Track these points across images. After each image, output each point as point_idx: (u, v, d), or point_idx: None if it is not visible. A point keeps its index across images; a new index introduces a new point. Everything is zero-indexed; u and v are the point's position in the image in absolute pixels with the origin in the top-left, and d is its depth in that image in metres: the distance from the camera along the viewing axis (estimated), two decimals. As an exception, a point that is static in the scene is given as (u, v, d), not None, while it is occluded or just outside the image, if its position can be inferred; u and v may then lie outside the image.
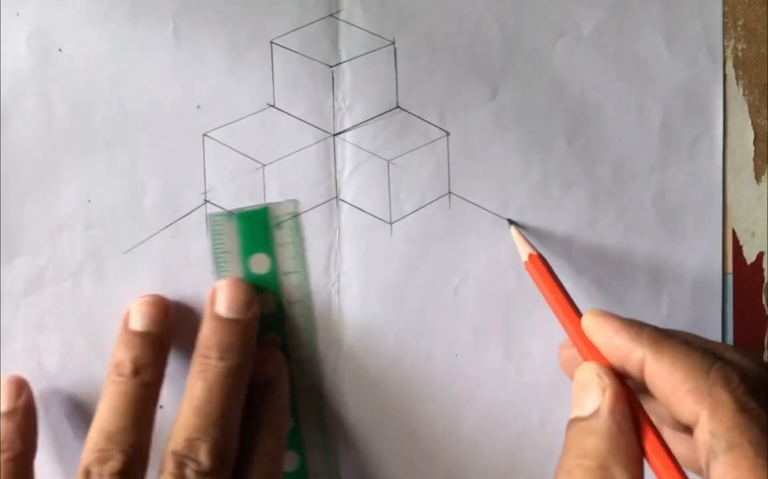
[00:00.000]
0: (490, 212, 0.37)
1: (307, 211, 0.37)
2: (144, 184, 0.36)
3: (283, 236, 0.36)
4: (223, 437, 0.32)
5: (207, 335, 0.34)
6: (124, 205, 0.36)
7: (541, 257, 0.35)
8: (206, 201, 0.36)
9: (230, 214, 0.35)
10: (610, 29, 0.37)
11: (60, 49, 0.35)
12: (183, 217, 0.36)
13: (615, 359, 0.30)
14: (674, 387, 0.28)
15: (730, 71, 0.38)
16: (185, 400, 0.33)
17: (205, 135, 0.36)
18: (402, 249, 0.37)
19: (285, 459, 0.36)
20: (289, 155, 0.36)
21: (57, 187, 0.36)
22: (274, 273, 0.36)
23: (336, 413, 0.38)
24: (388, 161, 0.37)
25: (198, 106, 0.36)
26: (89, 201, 0.36)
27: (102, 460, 0.31)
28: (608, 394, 0.29)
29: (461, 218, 0.37)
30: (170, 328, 0.35)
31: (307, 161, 0.37)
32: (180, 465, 0.31)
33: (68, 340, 0.36)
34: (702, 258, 0.38)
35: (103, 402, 0.33)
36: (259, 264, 0.36)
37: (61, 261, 0.36)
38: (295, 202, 0.36)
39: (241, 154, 0.36)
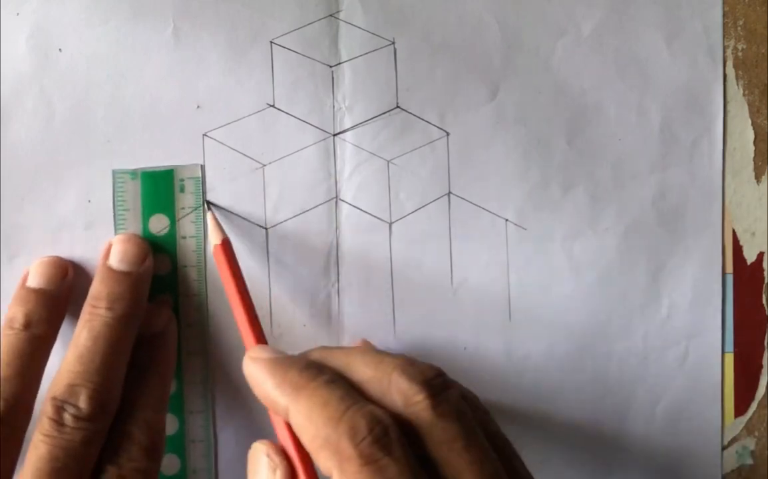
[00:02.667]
0: (490, 212, 0.37)
1: (307, 211, 0.37)
2: (144, 184, 0.36)
3: (186, 199, 0.36)
4: (104, 384, 0.32)
5: (97, 286, 0.34)
6: (124, 205, 0.36)
7: (226, 243, 0.34)
8: (206, 201, 0.36)
9: (135, 172, 0.35)
10: (610, 29, 0.37)
11: (60, 49, 0.35)
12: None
13: (272, 409, 0.29)
14: (311, 441, 0.27)
15: (730, 71, 0.38)
16: (70, 348, 0.33)
17: (205, 135, 0.36)
18: (402, 249, 0.37)
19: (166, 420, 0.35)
20: (289, 155, 0.36)
21: (57, 187, 0.36)
22: (172, 235, 0.36)
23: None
24: (388, 161, 0.37)
25: (198, 106, 0.36)
26: (89, 201, 0.36)
27: None
28: (279, 475, 0.28)
29: (461, 218, 0.37)
30: (67, 290, 0.35)
31: (307, 161, 0.37)
32: (58, 410, 0.31)
33: (68, 340, 0.36)
34: (702, 258, 0.38)
35: None
36: (159, 224, 0.36)
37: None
38: (201, 166, 0.36)
39: (241, 154, 0.36)
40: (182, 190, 0.36)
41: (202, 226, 0.36)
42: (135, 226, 0.36)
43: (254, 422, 0.37)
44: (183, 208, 0.36)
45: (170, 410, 0.37)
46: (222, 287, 0.35)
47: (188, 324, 0.37)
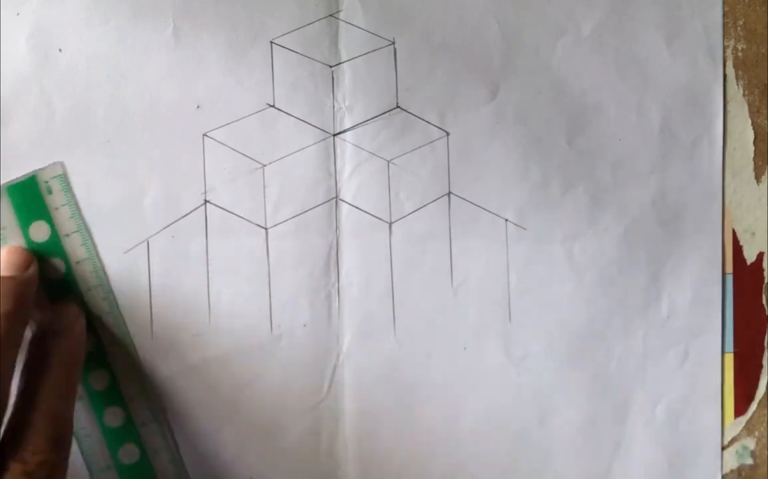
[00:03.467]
0: (490, 212, 0.37)
1: (307, 211, 0.37)
2: (144, 184, 0.36)
3: (56, 199, 0.35)
4: None
5: None
6: (124, 205, 0.36)
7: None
8: (206, 201, 0.36)
9: None
10: (610, 29, 0.37)
11: (60, 49, 0.35)
12: (183, 216, 0.36)
13: None
14: None
15: (730, 71, 0.38)
16: None
17: (205, 135, 0.36)
18: (402, 249, 0.37)
19: (109, 416, 0.35)
20: (289, 155, 0.36)
21: (57, 187, 0.36)
22: (55, 237, 0.36)
23: (333, 414, 0.38)
24: (388, 161, 0.37)
25: (198, 106, 0.36)
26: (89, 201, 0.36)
27: None
28: None
29: (461, 218, 0.37)
30: None
31: (307, 161, 0.37)
32: None
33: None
34: (702, 259, 0.38)
35: None
36: (39, 231, 0.35)
37: (61, 261, 0.36)
38: (60, 163, 0.35)
39: (241, 154, 0.36)
40: (50, 191, 0.35)
41: (81, 219, 0.36)
42: (17, 239, 0.35)
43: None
44: (56, 208, 0.35)
45: (112, 402, 0.37)
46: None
47: (100, 314, 0.36)
